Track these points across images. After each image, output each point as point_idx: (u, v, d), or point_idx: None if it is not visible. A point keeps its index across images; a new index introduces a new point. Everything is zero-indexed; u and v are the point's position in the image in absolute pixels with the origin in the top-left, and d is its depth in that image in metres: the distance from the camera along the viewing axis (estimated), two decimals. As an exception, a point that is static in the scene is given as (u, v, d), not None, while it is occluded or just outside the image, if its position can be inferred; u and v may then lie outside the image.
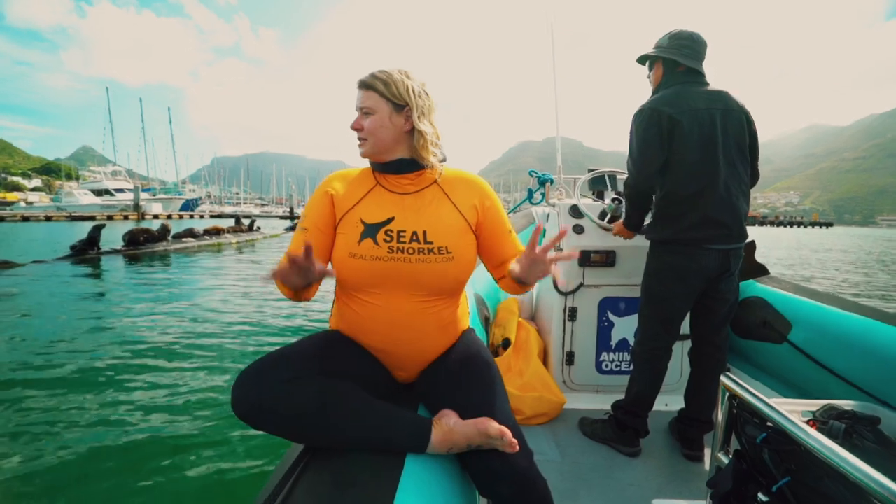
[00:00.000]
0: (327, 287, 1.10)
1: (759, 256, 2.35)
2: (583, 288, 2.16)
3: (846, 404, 1.05)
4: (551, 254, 0.93)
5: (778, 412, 0.90)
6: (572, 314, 2.18)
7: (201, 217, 44.46)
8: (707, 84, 1.62)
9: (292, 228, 21.93)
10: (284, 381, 0.89)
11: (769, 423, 0.95)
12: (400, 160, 1.07)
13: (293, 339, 1.06)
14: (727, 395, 1.07)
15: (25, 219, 31.80)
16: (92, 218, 30.97)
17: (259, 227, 18.43)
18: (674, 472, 1.65)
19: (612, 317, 2.18)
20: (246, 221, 18.28)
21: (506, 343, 2.26)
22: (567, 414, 2.03)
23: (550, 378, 2.08)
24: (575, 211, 2.21)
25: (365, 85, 1.04)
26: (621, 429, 1.77)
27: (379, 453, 0.87)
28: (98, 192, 47.23)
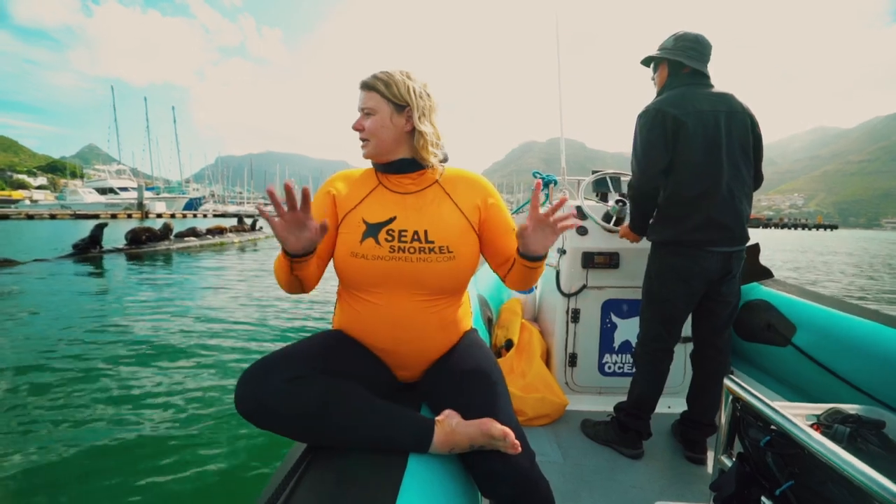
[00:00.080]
0: (329, 287, 1.11)
1: (763, 259, 2.34)
2: (586, 289, 2.16)
3: (851, 408, 1.04)
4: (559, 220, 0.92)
5: (782, 415, 0.90)
6: (575, 316, 2.18)
7: (204, 216, 44.65)
8: (712, 86, 1.62)
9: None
10: (288, 380, 0.89)
11: (773, 427, 0.94)
12: (401, 160, 1.08)
13: (296, 339, 1.06)
14: (730, 397, 1.07)
15: (30, 217, 32.03)
16: (96, 216, 31.15)
17: (262, 227, 18.46)
18: (676, 474, 1.65)
19: (615, 319, 2.18)
20: (248, 221, 18.31)
21: (508, 344, 2.26)
22: (569, 415, 2.03)
23: (553, 379, 2.08)
24: (578, 213, 2.21)
25: (366, 86, 1.05)
26: (624, 431, 1.76)
27: (381, 453, 0.87)
28: (102, 191, 47.50)
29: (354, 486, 0.78)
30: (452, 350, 1.09)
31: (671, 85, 1.64)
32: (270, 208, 0.91)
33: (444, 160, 1.14)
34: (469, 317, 1.20)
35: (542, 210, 0.95)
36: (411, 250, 1.01)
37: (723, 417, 1.09)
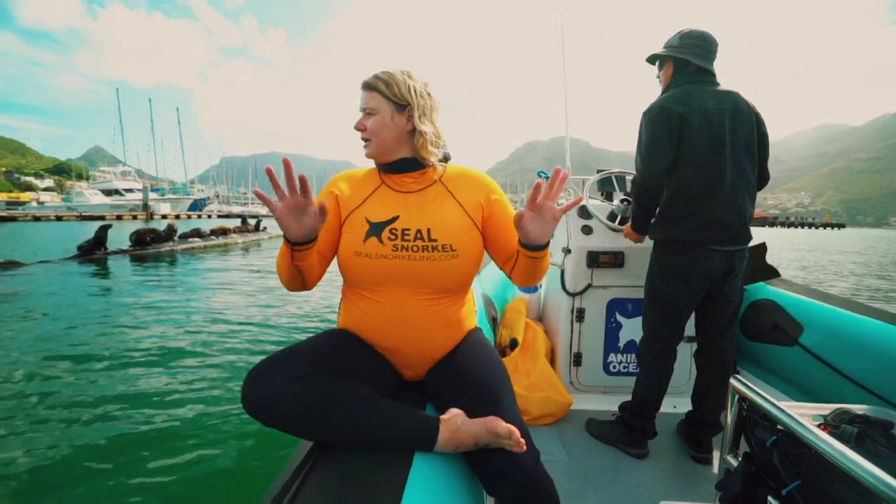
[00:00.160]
0: (334, 287, 1.11)
1: (770, 258, 2.33)
2: (591, 289, 2.15)
3: (858, 408, 1.04)
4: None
5: (788, 415, 0.89)
6: (580, 315, 2.17)
7: (209, 217, 44.90)
8: (717, 84, 1.61)
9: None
10: (293, 379, 0.90)
11: (779, 427, 0.94)
12: (402, 160, 1.09)
13: (301, 338, 1.07)
14: (737, 397, 1.06)
15: (37, 219, 32.32)
16: (102, 218, 31.38)
17: (265, 227, 18.52)
18: (682, 474, 1.64)
19: (620, 318, 2.17)
20: (252, 221, 18.36)
21: (513, 343, 2.26)
22: (574, 415, 2.03)
23: (557, 379, 2.08)
24: (583, 212, 2.21)
25: (368, 86, 1.06)
26: (629, 430, 1.76)
27: (387, 451, 0.87)
28: (108, 192, 47.87)
29: (360, 484, 0.79)
30: (457, 349, 1.09)
31: (676, 82, 1.64)
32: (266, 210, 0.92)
33: (446, 159, 1.14)
34: (473, 315, 1.20)
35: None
36: (414, 249, 1.01)
37: (729, 417, 1.09)
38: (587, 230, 2.16)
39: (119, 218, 33.85)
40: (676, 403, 2.07)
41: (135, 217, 36.25)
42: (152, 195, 44.42)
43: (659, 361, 1.71)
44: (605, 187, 2.41)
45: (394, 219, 1.04)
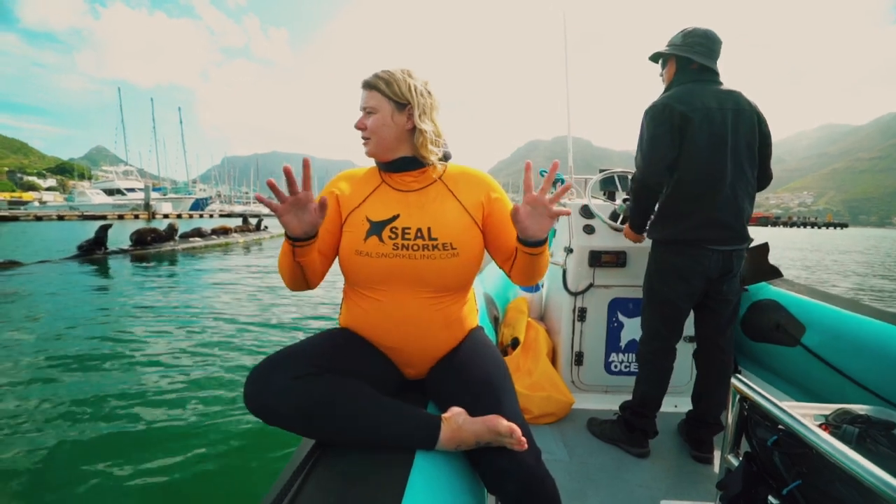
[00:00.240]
0: (335, 286, 1.12)
1: (772, 258, 2.32)
2: (592, 288, 2.15)
3: (860, 408, 1.04)
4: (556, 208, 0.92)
5: (789, 415, 0.89)
6: (582, 314, 2.17)
7: (210, 216, 44.95)
8: (720, 83, 1.60)
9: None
10: (295, 378, 0.90)
11: (780, 426, 0.94)
12: (403, 158, 1.09)
13: (303, 337, 1.08)
14: (738, 397, 1.06)
15: (38, 218, 32.37)
16: (103, 217, 31.43)
17: (266, 227, 18.53)
18: (683, 473, 1.64)
19: (621, 317, 2.17)
20: (253, 221, 18.36)
21: (515, 342, 2.26)
22: (575, 414, 2.03)
23: (559, 378, 2.08)
24: (586, 211, 2.21)
25: (368, 85, 1.06)
26: (630, 429, 1.76)
27: (388, 450, 0.87)
28: (110, 192, 47.96)
29: (362, 483, 0.79)
30: (458, 347, 1.10)
31: (679, 81, 1.64)
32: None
33: (446, 158, 1.15)
34: (474, 314, 1.20)
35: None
36: (415, 248, 1.02)
37: (730, 417, 1.09)
38: (589, 230, 2.16)
39: (121, 217, 33.90)
40: (677, 403, 2.07)
41: (137, 217, 36.31)
42: (154, 194, 44.49)
43: (658, 360, 1.72)
44: (608, 187, 2.41)
45: (394, 217, 1.05)
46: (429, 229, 1.03)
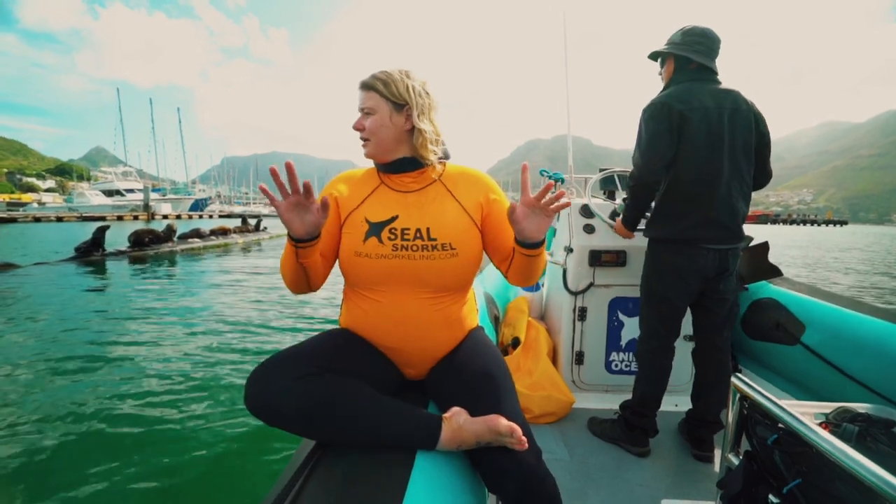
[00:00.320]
0: (336, 286, 1.12)
1: (773, 256, 2.33)
2: (593, 287, 2.15)
3: (860, 407, 1.04)
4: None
5: (789, 413, 0.89)
6: (582, 314, 2.17)
7: (210, 217, 44.89)
8: (719, 82, 1.61)
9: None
10: (295, 378, 0.90)
11: (780, 425, 0.94)
12: (402, 159, 1.09)
13: (303, 338, 1.08)
14: (738, 396, 1.07)
15: (37, 220, 32.31)
16: (102, 218, 31.37)
17: (266, 227, 18.50)
18: (683, 472, 1.65)
19: (622, 317, 2.17)
20: (252, 221, 18.33)
21: (515, 342, 2.26)
22: (576, 413, 2.03)
23: (559, 377, 2.08)
24: (586, 211, 2.21)
25: (366, 85, 1.06)
26: (630, 429, 1.76)
27: (389, 450, 0.88)
28: (109, 193, 47.90)
29: (362, 483, 0.79)
30: (459, 347, 1.10)
31: (677, 80, 1.64)
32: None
33: (445, 157, 1.15)
34: (474, 314, 1.20)
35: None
36: (414, 248, 1.02)
37: (730, 415, 1.09)
38: (589, 229, 2.16)
39: (120, 218, 33.86)
40: (678, 402, 2.07)
41: (136, 217, 36.26)
42: (154, 195, 44.43)
43: (656, 359, 1.72)
44: (608, 186, 2.41)
45: (393, 218, 1.05)
46: (428, 230, 1.03)
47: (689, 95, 1.55)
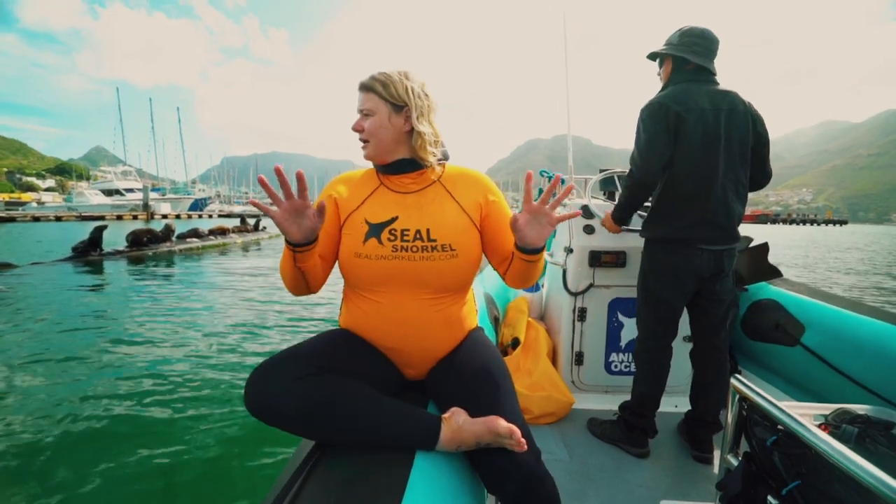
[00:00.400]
0: (336, 287, 1.12)
1: (773, 256, 2.33)
2: (593, 288, 2.15)
3: (860, 408, 1.04)
4: (558, 212, 0.93)
5: (788, 415, 0.89)
6: (582, 314, 2.17)
7: (210, 217, 44.86)
8: (716, 83, 1.61)
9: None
10: (295, 378, 0.91)
11: (779, 426, 0.94)
12: (401, 160, 1.09)
13: (303, 338, 1.08)
14: (737, 397, 1.07)
15: (36, 219, 32.22)
16: (101, 218, 31.30)
17: (265, 227, 18.47)
18: (682, 473, 1.65)
19: (621, 317, 2.17)
20: (251, 221, 18.29)
21: (515, 342, 2.26)
22: (576, 414, 2.03)
23: (559, 378, 2.08)
24: (586, 211, 2.21)
25: (364, 87, 1.06)
26: (629, 429, 1.76)
27: (388, 450, 0.88)
28: (108, 193, 47.82)
29: (362, 484, 0.79)
30: (458, 348, 1.10)
31: (675, 80, 1.65)
32: (275, 207, 0.92)
33: (444, 158, 1.15)
34: (474, 314, 1.20)
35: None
36: (414, 249, 1.02)
37: (729, 417, 1.09)
38: (589, 230, 2.16)
39: (119, 218, 33.81)
40: (678, 403, 2.07)
41: (135, 217, 36.22)
42: (153, 195, 44.38)
43: (654, 359, 1.73)
44: (608, 187, 2.41)
45: (393, 219, 1.05)
46: (428, 231, 1.03)
47: (686, 96, 1.55)
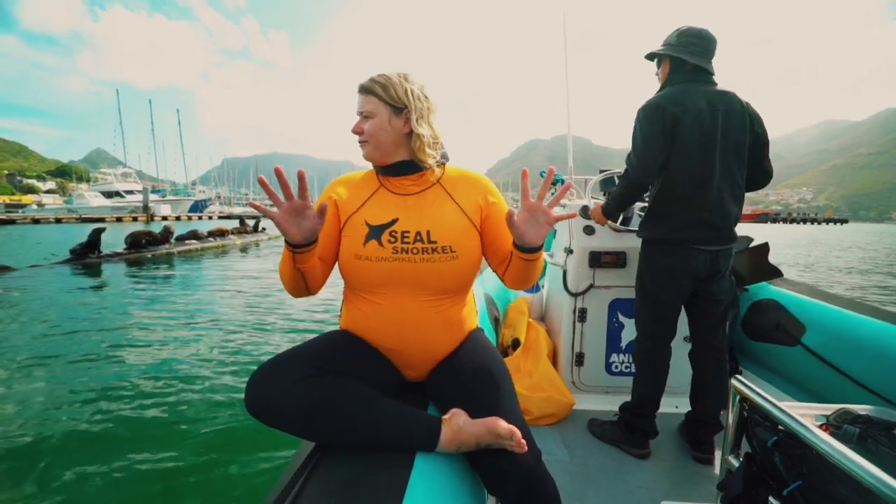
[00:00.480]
0: (336, 288, 1.12)
1: (773, 255, 2.32)
2: (593, 289, 2.15)
3: (861, 408, 1.04)
4: (557, 211, 0.93)
5: (789, 415, 0.89)
6: (582, 315, 2.17)
7: (210, 218, 44.86)
8: (714, 83, 1.61)
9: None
10: (296, 380, 0.91)
11: (780, 427, 0.94)
12: (401, 162, 1.09)
13: (304, 340, 1.08)
14: (738, 397, 1.06)
15: (36, 221, 32.18)
16: (101, 220, 31.28)
17: (264, 228, 18.44)
18: (683, 474, 1.64)
19: (622, 318, 2.17)
20: (251, 222, 18.26)
21: (515, 343, 2.26)
22: (576, 415, 2.03)
23: (559, 379, 2.08)
24: (586, 212, 2.21)
25: (364, 89, 1.06)
26: (630, 430, 1.76)
27: (389, 452, 0.88)
28: (108, 194, 47.79)
29: (362, 485, 0.79)
30: (458, 349, 1.10)
31: (672, 81, 1.65)
32: (276, 208, 0.92)
33: (444, 160, 1.15)
34: (474, 316, 1.20)
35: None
36: (414, 251, 1.02)
37: (730, 417, 1.09)
38: (589, 230, 2.16)
39: (119, 220, 33.79)
40: (678, 404, 2.07)
41: (135, 219, 36.20)
42: (153, 196, 44.36)
43: (653, 360, 1.73)
44: (608, 187, 2.41)
45: (393, 221, 1.05)
46: (428, 232, 1.03)
47: (683, 97, 1.55)
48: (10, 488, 2.09)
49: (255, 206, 0.92)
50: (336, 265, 1.13)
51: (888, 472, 0.69)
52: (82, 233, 10.73)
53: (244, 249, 14.07)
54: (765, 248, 2.34)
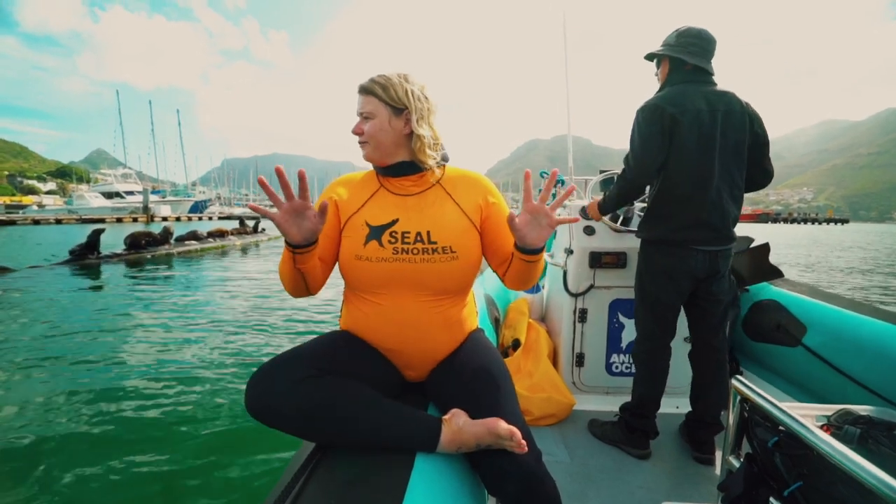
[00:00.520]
0: (336, 288, 1.12)
1: (774, 255, 2.32)
2: (593, 289, 2.15)
3: (862, 409, 1.03)
4: (559, 214, 0.93)
5: (790, 416, 0.89)
6: (582, 315, 2.17)
7: (210, 219, 44.87)
8: (714, 84, 1.61)
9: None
10: (296, 380, 0.91)
11: (781, 427, 0.94)
12: (401, 163, 1.09)
13: (304, 340, 1.08)
14: (738, 398, 1.06)
15: (36, 222, 32.17)
16: (101, 220, 31.28)
17: (264, 229, 18.42)
18: (684, 474, 1.64)
19: (622, 318, 2.17)
20: (251, 223, 18.24)
21: (515, 344, 2.26)
22: (576, 415, 2.03)
23: (560, 379, 2.07)
24: (584, 213, 2.21)
25: (364, 90, 1.06)
26: (630, 431, 1.76)
27: (389, 452, 0.88)
28: (108, 195, 47.79)
29: (362, 485, 0.79)
30: (459, 350, 1.10)
31: (672, 81, 1.64)
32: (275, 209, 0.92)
33: (444, 161, 1.15)
34: (474, 316, 1.20)
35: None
36: (414, 251, 1.02)
37: (730, 418, 1.09)
38: (589, 231, 2.16)
39: (119, 220, 33.80)
40: (678, 404, 2.06)
41: (135, 220, 36.20)
42: (153, 197, 44.37)
43: (652, 360, 1.73)
44: (608, 188, 2.41)
45: (393, 222, 1.05)
46: (428, 233, 1.03)
47: (682, 98, 1.55)
48: (10, 489, 2.09)
49: (255, 208, 0.92)
50: (336, 266, 1.13)
51: (889, 472, 0.69)
52: (82, 234, 10.72)
53: (244, 250, 14.06)
54: (765, 248, 2.34)
